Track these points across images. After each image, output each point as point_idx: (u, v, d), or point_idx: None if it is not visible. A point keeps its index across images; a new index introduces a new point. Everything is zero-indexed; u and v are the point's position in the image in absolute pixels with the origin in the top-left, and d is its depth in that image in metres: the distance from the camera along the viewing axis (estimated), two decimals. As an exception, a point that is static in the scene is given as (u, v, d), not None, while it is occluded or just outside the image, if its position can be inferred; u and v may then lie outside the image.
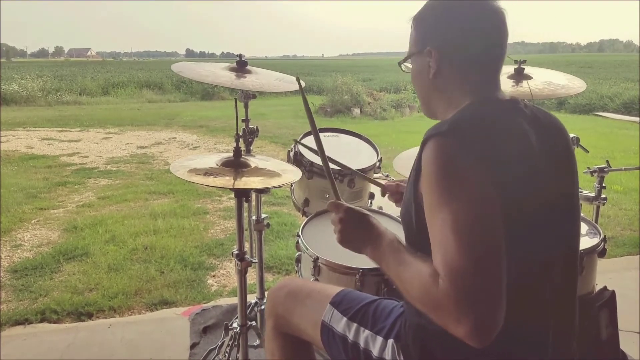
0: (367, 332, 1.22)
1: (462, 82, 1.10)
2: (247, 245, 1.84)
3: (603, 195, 2.26)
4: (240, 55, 2.01)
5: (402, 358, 1.14)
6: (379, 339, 1.19)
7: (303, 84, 1.51)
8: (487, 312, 0.83)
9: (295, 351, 1.41)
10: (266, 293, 2.20)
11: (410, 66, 1.20)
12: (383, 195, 1.68)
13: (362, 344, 1.22)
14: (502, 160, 0.94)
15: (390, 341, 1.17)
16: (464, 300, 0.82)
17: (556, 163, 1.08)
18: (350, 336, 1.24)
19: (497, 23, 1.09)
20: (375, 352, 1.19)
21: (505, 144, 0.98)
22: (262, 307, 2.25)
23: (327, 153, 2.09)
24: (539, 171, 1.02)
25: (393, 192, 1.63)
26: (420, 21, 1.15)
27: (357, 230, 1.13)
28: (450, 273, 0.84)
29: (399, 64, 1.23)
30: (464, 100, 1.09)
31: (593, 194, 2.25)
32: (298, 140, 2.08)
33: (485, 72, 1.10)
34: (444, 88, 1.13)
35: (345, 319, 1.26)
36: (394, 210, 2.00)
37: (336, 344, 1.26)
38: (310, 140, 2.17)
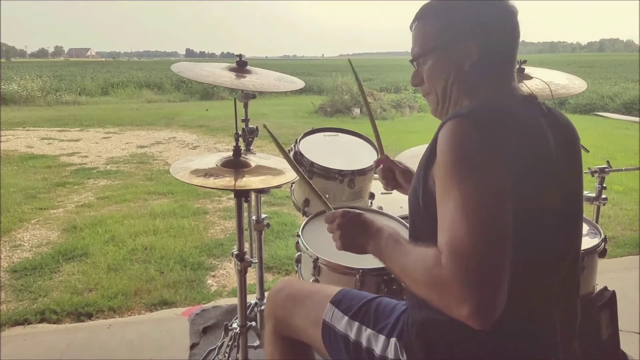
0: (369, 330, 1.22)
1: (488, 76, 1.09)
2: (247, 246, 1.83)
3: (604, 196, 2.25)
4: (240, 55, 2.01)
5: (405, 356, 1.13)
6: (382, 338, 1.19)
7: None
8: (489, 293, 0.82)
9: (295, 354, 1.41)
10: (266, 294, 2.20)
11: (428, 60, 1.14)
12: (376, 168, 1.65)
13: (364, 343, 1.21)
14: (517, 153, 0.94)
15: (393, 339, 1.16)
16: (467, 279, 0.82)
17: (570, 163, 1.08)
18: (352, 335, 1.23)
19: (514, 20, 1.09)
20: (377, 350, 1.18)
21: (522, 137, 0.98)
22: (262, 307, 2.25)
23: (328, 152, 2.10)
24: (554, 169, 1.02)
25: (385, 167, 1.60)
26: (442, 13, 1.10)
27: (355, 230, 1.13)
28: (454, 252, 0.84)
29: (413, 60, 1.17)
30: (482, 94, 1.08)
31: (594, 194, 2.25)
32: (298, 140, 2.08)
33: (506, 66, 1.11)
34: (470, 81, 1.09)
35: (346, 317, 1.26)
36: (394, 210, 2.00)
37: (337, 344, 1.25)
38: (310, 140, 2.17)
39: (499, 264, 0.84)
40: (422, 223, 1.06)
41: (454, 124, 0.95)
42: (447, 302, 0.85)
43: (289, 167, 1.77)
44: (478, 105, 1.02)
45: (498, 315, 0.82)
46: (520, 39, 1.11)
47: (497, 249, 0.85)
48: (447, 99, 1.14)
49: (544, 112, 1.08)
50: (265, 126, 1.51)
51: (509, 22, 1.09)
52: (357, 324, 1.24)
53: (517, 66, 2.09)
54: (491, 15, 1.08)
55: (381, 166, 1.61)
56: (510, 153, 0.93)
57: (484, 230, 0.85)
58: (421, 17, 1.14)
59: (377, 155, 2.10)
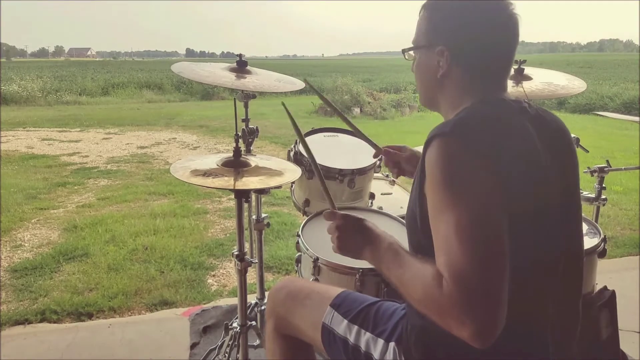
0: (368, 334, 1.21)
1: (469, 83, 1.09)
2: (247, 246, 1.83)
3: (603, 196, 2.25)
4: (240, 55, 2.01)
5: None
6: (380, 342, 1.19)
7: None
8: (490, 314, 0.82)
9: (295, 352, 1.41)
10: (266, 293, 2.20)
11: (414, 55, 1.18)
12: (375, 157, 1.60)
13: (363, 347, 1.21)
14: (506, 159, 0.94)
15: (392, 344, 1.16)
16: (468, 303, 0.82)
17: (559, 163, 1.07)
18: (351, 339, 1.23)
19: (510, 28, 1.07)
20: (376, 355, 1.18)
21: (509, 143, 0.98)
22: (262, 307, 2.25)
23: (328, 152, 2.10)
24: (542, 171, 1.02)
25: (391, 158, 1.55)
26: (434, 13, 1.11)
27: (354, 235, 1.11)
28: (454, 275, 0.83)
29: (404, 51, 1.20)
30: (467, 100, 1.08)
31: (593, 195, 2.25)
32: (298, 140, 2.08)
33: (493, 75, 1.09)
34: (450, 88, 1.11)
35: (346, 321, 1.26)
36: (395, 210, 2.00)
37: (337, 346, 1.26)
38: (310, 140, 2.17)
39: (498, 283, 0.84)
40: (419, 247, 1.04)
41: (440, 144, 0.94)
42: (447, 323, 0.85)
43: (289, 166, 1.77)
44: (460, 119, 1.00)
45: (499, 332, 0.82)
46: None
47: (495, 269, 0.84)
48: (431, 97, 1.18)
49: (530, 115, 1.07)
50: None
51: (497, 31, 1.06)
52: (356, 327, 1.24)
53: (517, 66, 2.09)
54: (474, 24, 1.05)
55: (380, 157, 1.57)
56: (498, 162, 0.92)
57: (481, 252, 0.85)
58: (424, 9, 1.13)
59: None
